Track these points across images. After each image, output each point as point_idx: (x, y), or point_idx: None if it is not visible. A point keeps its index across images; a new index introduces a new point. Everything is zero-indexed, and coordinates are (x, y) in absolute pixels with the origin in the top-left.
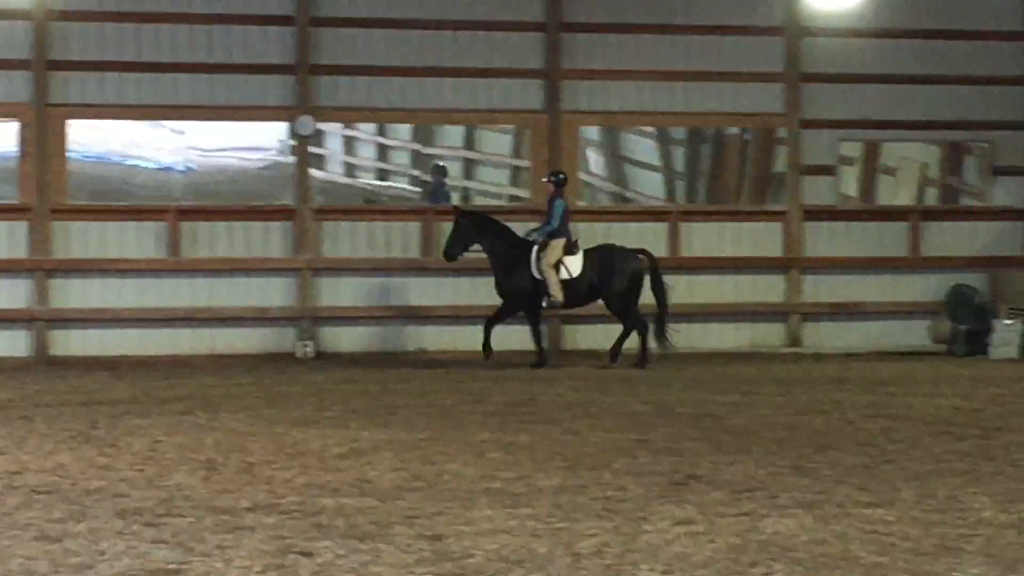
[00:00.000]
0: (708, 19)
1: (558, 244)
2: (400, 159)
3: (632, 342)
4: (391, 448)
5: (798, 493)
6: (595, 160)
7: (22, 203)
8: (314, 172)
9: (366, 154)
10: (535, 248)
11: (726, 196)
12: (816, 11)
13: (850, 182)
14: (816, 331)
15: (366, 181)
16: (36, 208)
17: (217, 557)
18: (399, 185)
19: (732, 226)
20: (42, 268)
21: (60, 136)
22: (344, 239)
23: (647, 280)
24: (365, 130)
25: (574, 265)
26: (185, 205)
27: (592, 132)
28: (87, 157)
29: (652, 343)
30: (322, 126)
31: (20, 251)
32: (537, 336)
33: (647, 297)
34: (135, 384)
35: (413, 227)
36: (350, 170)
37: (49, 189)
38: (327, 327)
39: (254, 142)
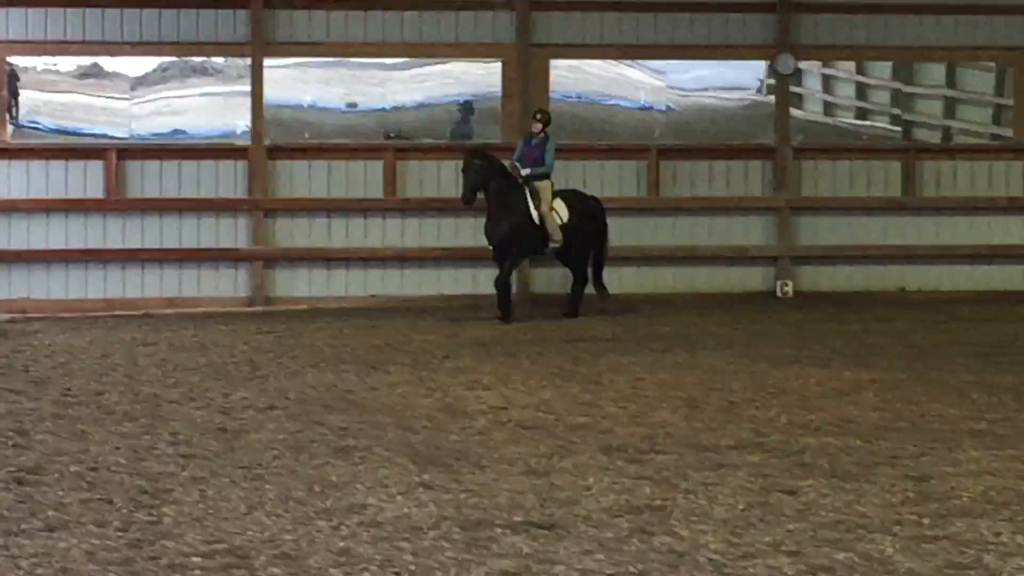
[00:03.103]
0: None
1: (547, 186)
2: (880, 98)
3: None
4: (872, 388)
5: None
6: None
7: (505, 142)
8: (793, 111)
9: (845, 93)
10: (527, 191)
11: None
12: None
13: None
14: None
15: (846, 120)
16: None
17: (701, 494)
18: (879, 124)
19: None
20: None
21: (543, 76)
22: (824, 178)
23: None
24: (844, 68)
25: (562, 209)
26: (665, 145)
27: None
28: (567, 97)
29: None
30: (801, 65)
31: None
32: (508, 288)
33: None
34: (616, 322)
35: (894, 166)
36: (829, 109)
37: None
38: (806, 266)
39: (733, 81)
